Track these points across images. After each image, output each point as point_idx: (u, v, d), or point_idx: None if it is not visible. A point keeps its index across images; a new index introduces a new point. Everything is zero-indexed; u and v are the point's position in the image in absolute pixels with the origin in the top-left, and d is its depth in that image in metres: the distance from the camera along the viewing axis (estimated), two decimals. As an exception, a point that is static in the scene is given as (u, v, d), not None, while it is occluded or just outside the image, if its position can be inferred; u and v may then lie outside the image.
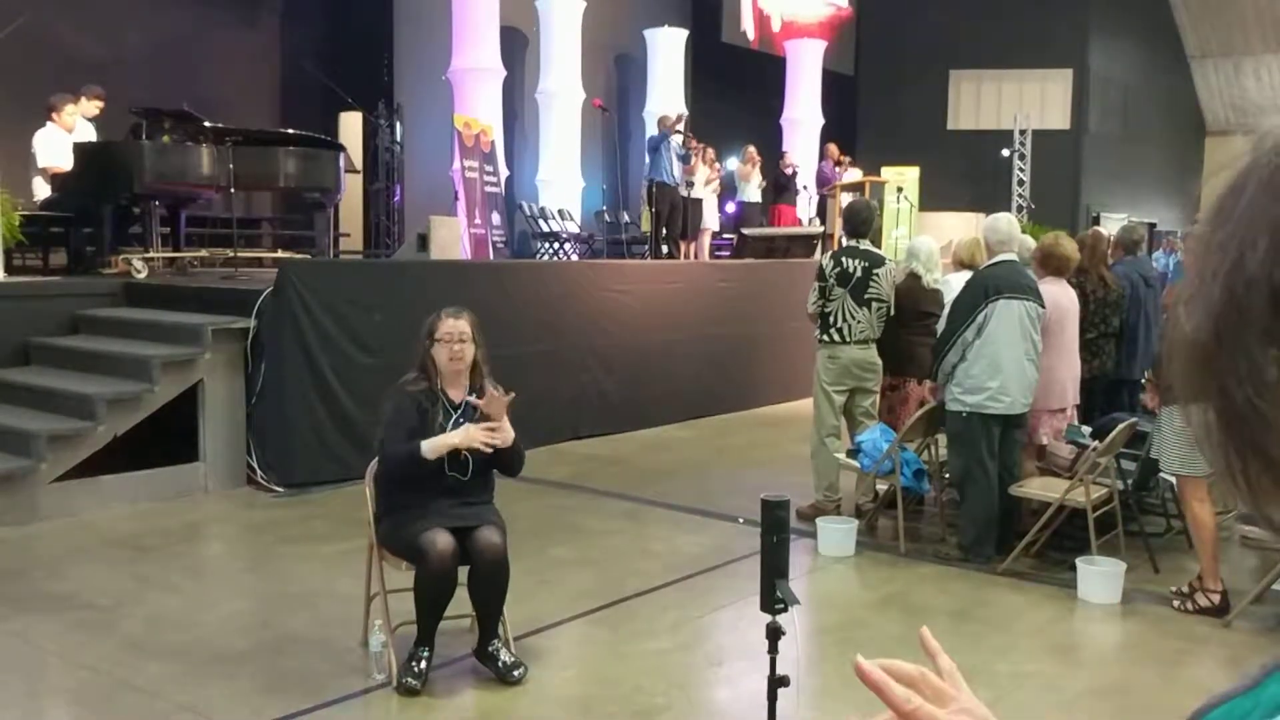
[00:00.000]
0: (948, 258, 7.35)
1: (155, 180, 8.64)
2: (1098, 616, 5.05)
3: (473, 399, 4.12)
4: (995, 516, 5.66)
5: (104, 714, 3.91)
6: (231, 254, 9.38)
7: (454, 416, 4.14)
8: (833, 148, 16.48)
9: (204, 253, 9.89)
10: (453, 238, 9.98)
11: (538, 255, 13.91)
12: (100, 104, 9.13)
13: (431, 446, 3.98)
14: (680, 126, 12.52)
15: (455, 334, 4.14)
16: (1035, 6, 22.60)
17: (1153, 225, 26.08)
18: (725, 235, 15.08)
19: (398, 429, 4.07)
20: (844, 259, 6.45)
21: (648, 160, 13.01)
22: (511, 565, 4.11)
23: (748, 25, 19.62)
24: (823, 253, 11.34)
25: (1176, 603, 5.06)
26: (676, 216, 12.42)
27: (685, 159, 12.62)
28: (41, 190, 8.90)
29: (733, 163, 15.80)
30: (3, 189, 7.80)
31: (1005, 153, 22.64)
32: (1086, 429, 6.15)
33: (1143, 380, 7.13)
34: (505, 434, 4.09)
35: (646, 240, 13.59)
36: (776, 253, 13.07)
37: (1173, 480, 5.89)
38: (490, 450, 4.04)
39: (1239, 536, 5.96)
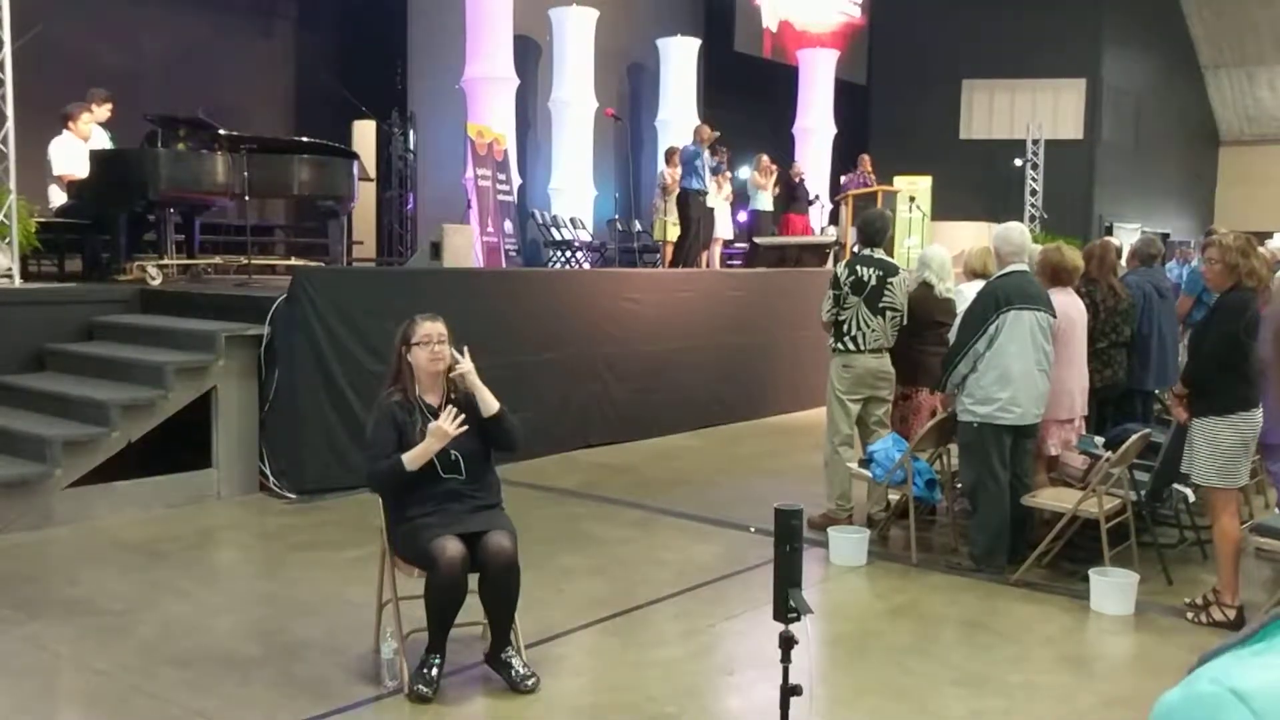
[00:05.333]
0: (959, 267, 7.35)
1: (170, 187, 8.69)
2: (1110, 628, 5.03)
3: (459, 369, 4.12)
4: (1007, 527, 5.64)
5: (116, 719, 3.92)
6: (245, 261, 9.43)
7: (435, 422, 4.13)
8: (866, 159, 16.47)
9: (218, 260, 9.94)
10: (465, 246, 10.00)
11: (550, 263, 13.93)
12: (109, 106, 9.18)
13: (410, 459, 4.00)
14: (712, 142, 12.63)
15: (434, 336, 4.15)
16: (1048, 16, 22.58)
17: (1166, 235, 26.02)
18: (737, 244, 15.09)
19: (378, 446, 4.11)
20: (859, 267, 6.44)
21: (665, 168, 13.02)
22: (522, 573, 4.12)
23: (751, 32, 19.62)
24: (835, 262, 11.36)
25: (1191, 615, 5.03)
26: (704, 226, 12.48)
27: (717, 170, 12.71)
28: (57, 198, 8.95)
29: (744, 171, 15.81)
30: (19, 196, 7.85)
31: (1018, 162, 22.61)
32: (1099, 439, 6.13)
33: (1159, 392, 7.10)
34: (487, 403, 4.13)
35: (658, 249, 13.62)
36: (788, 261, 13.07)
37: (1187, 492, 5.87)
38: (472, 432, 4.06)
39: (1254, 548, 5.93)
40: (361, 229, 13.59)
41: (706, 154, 12.37)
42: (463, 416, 4.00)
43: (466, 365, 4.16)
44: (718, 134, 12.72)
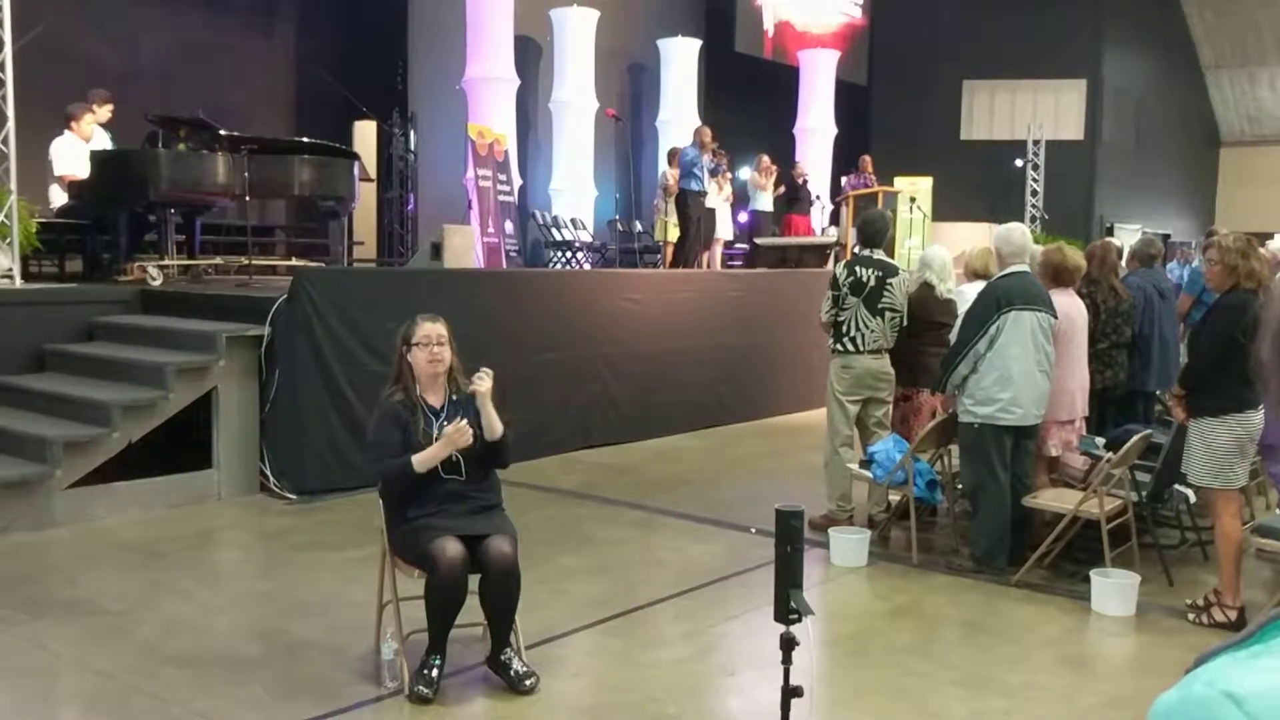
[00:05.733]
0: (960, 268, 7.35)
1: (171, 188, 8.69)
2: (1111, 629, 5.02)
3: (476, 385, 4.12)
4: (1008, 528, 5.64)
5: (116, 719, 3.91)
6: (246, 262, 9.42)
7: (436, 422, 4.14)
8: (866, 160, 16.47)
9: (219, 260, 9.94)
10: (466, 246, 10.00)
11: (550, 264, 13.93)
12: (110, 107, 9.19)
13: (420, 461, 4.01)
14: (714, 145, 12.70)
15: (434, 337, 4.17)
16: (1049, 17, 22.57)
17: (1167, 236, 25.99)
18: (738, 245, 15.09)
19: (383, 446, 4.11)
20: (858, 268, 6.44)
21: (667, 169, 13.04)
22: (522, 574, 4.12)
23: (752, 33, 19.62)
24: (835, 262, 11.36)
25: (1192, 616, 5.03)
26: (703, 227, 12.49)
27: (715, 172, 12.73)
28: (58, 198, 8.96)
29: (744, 172, 15.80)
30: (20, 196, 7.85)
31: (1019, 163, 22.61)
32: (1100, 440, 6.13)
33: (1160, 393, 7.10)
34: (493, 425, 4.13)
35: (659, 249, 13.63)
36: (789, 262, 13.07)
37: (1188, 493, 5.86)
38: (477, 443, 4.08)
39: (1254, 549, 5.92)
40: (362, 229, 13.58)
41: (706, 157, 12.40)
42: (469, 439, 4.01)
43: (485, 385, 4.13)
44: (715, 144, 12.75)
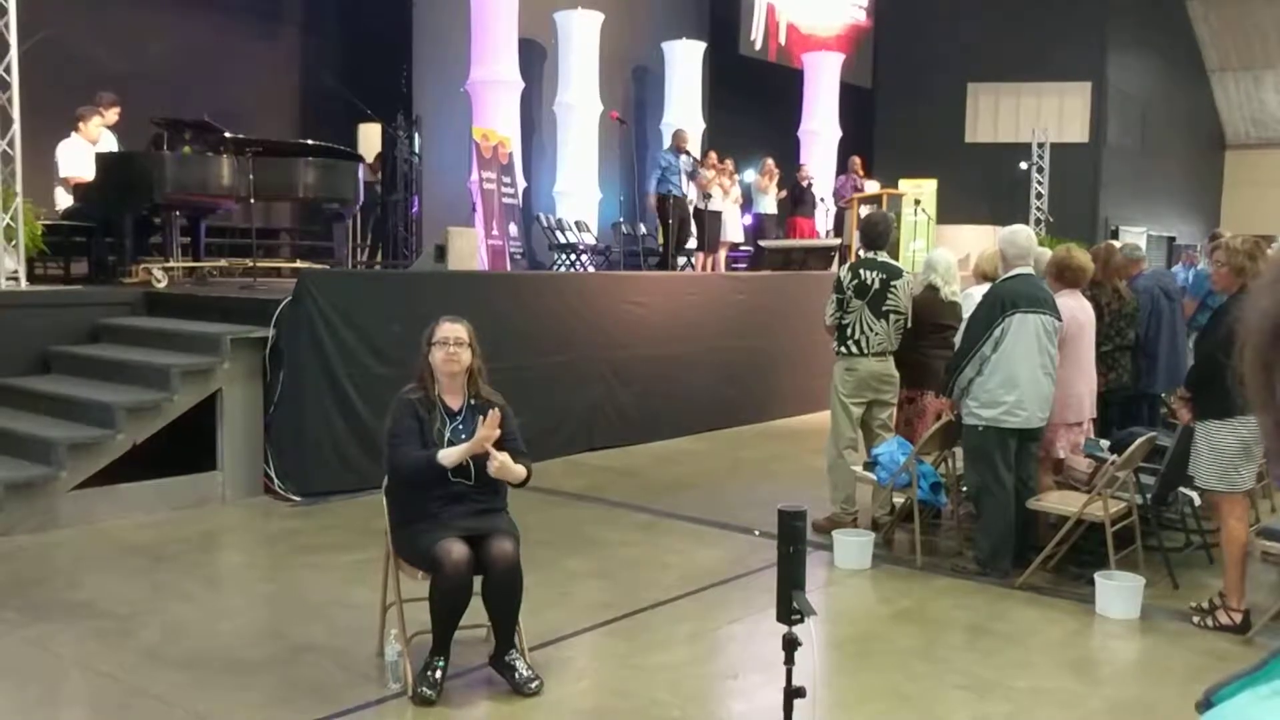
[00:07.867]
0: (967, 270, 7.34)
1: (176, 190, 8.71)
2: (1116, 632, 5.01)
3: (486, 412, 4.12)
4: (1012, 530, 5.63)
5: (120, 721, 3.92)
6: (250, 264, 9.44)
7: (452, 424, 4.17)
8: (856, 161, 16.46)
9: (223, 262, 9.96)
10: (470, 249, 10.00)
11: (554, 267, 13.93)
12: (117, 110, 9.21)
13: (447, 456, 4.01)
14: (690, 147, 12.66)
15: (452, 337, 4.21)
16: (1054, 20, 22.55)
17: (1172, 239, 25.99)
18: (742, 247, 15.08)
19: (405, 436, 4.11)
20: (861, 271, 6.44)
21: (657, 174, 13.07)
22: (526, 577, 4.12)
23: (757, 35, 19.63)
24: (840, 265, 11.35)
25: (1196, 619, 5.02)
26: (686, 229, 12.50)
27: (693, 175, 12.71)
28: (63, 200, 8.98)
29: (749, 175, 15.80)
30: (26, 198, 7.87)
31: (1023, 166, 22.57)
32: (1105, 443, 6.12)
33: (1165, 395, 7.09)
34: (516, 475, 4.11)
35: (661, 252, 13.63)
36: (793, 265, 13.06)
37: (1193, 495, 5.85)
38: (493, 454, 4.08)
39: (1259, 552, 5.91)
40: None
41: (683, 160, 12.40)
42: (499, 432, 4.02)
43: (496, 462, 4.06)
44: (694, 155, 12.72)
